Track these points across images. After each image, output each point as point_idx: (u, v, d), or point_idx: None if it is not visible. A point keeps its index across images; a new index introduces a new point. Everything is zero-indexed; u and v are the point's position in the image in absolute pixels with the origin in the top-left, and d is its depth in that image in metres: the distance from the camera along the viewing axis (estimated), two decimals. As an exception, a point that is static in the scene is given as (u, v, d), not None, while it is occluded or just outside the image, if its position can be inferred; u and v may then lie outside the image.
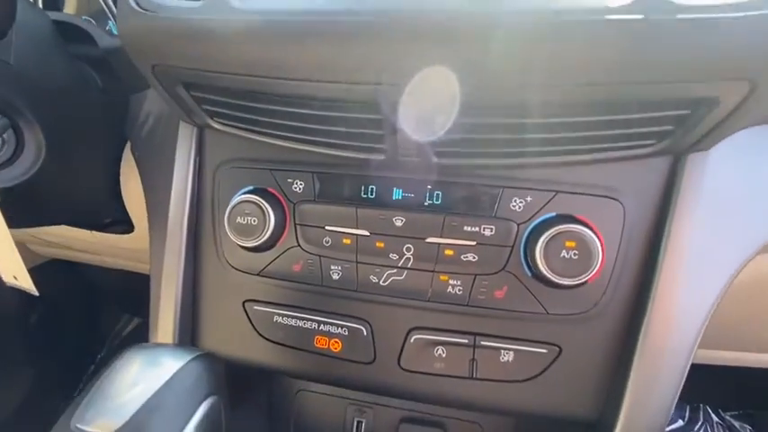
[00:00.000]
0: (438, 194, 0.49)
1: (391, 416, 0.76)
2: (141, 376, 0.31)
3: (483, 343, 0.48)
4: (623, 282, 0.46)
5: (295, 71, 0.41)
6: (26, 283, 0.64)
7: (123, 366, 0.32)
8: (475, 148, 0.44)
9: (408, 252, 0.49)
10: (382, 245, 0.49)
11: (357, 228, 0.50)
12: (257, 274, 0.53)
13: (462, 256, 0.47)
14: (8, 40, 0.64)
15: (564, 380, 0.47)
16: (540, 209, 0.46)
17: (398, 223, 0.49)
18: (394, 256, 0.49)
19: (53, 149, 0.73)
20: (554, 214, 0.46)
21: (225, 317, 0.55)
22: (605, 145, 0.43)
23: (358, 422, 0.78)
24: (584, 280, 0.43)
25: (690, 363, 0.45)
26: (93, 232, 0.90)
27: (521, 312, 0.47)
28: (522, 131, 0.42)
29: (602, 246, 0.44)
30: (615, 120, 0.40)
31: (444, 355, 0.49)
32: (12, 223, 0.78)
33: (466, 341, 0.48)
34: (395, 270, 0.49)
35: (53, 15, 0.77)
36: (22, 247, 1.36)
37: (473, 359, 0.48)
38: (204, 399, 0.32)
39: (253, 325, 0.54)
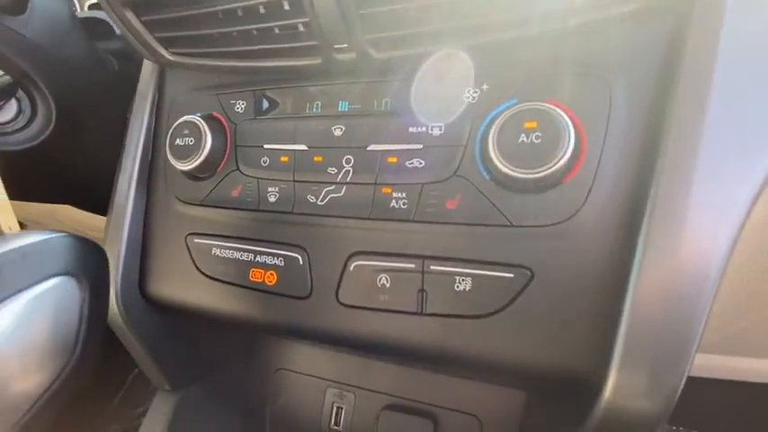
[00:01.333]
0: (386, 102, 0.42)
1: (374, 402, 0.66)
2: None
3: (433, 268, 0.38)
4: (614, 182, 0.34)
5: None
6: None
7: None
8: (413, 28, 0.37)
9: (348, 164, 0.42)
10: (321, 159, 0.43)
11: (295, 143, 0.44)
12: (200, 204, 0.49)
13: (407, 163, 0.39)
14: (25, 17, 0.72)
15: (537, 314, 0.35)
16: (499, 97, 0.37)
17: (338, 133, 0.43)
18: (332, 170, 0.42)
19: (64, 120, 0.79)
20: (515, 101, 0.36)
21: (170, 254, 0.51)
22: (575, 3, 0.34)
23: (338, 408, 0.68)
24: (550, 170, 0.33)
25: (712, 300, 0.31)
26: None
27: (477, 225, 0.37)
28: None
29: (579, 131, 0.34)
30: None
31: (389, 285, 0.40)
32: (29, 194, 0.85)
33: (413, 266, 0.39)
34: (333, 186, 0.42)
35: (84, 13, 0.86)
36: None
37: (422, 289, 0.39)
38: (53, 275, 0.28)
39: (193, 260, 0.49)
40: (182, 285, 0.50)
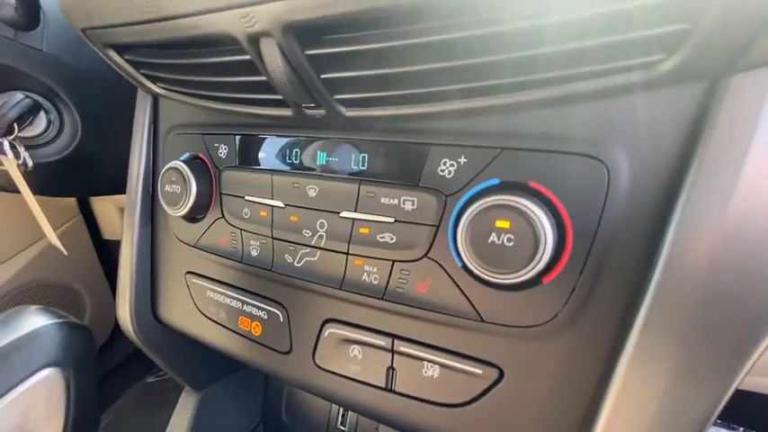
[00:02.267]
0: (364, 157, 0.39)
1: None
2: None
3: (402, 349, 0.37)
4: (603, 280, 0.30)
5: (170, 8, 0.35)
6: (59, 244, 0.74)
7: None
8: (384, 90, 0.33)
9: (322, 229, 0.40)
10: (296, 219, 0.42)
11: (272, 198, 0.43)
12: (193, 246, 0.51)
13: (379, 237, 0.37)
14: (39, 31, 0.73)
15: (506, 415, 0.33)
16: (478, 174, 0.32)
17: (312, 193, 0.40)
18: (307, 233, 0.41)
19: (90, 127, 0.82)
20: (497, 181, 0.32)
21: (174, 287, 0.55)
22: (580, 70, 0.27)
23: (344, 412, 0.73)
24: (523, 278, 0.29)
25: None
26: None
27: (447, 315, 0.34)
28: (446, 53, 0.29)
29: (564, 224, 0.29)
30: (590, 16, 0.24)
31: (360, 357, 0.39)
32: (64, 193, 0.92)
33: (383, 343, 0.38)
34: (308, 249, 0.41)
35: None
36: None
37: (391, 367, 0.38)
38: (40, 368, 0.31)
39: (192, 297, 0.52)
40: (184, 317, 0.54)
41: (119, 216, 1.54)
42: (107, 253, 1.56)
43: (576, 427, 0.31)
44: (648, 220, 0.28)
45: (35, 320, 0.33)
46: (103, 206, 1.50)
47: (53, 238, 0.71)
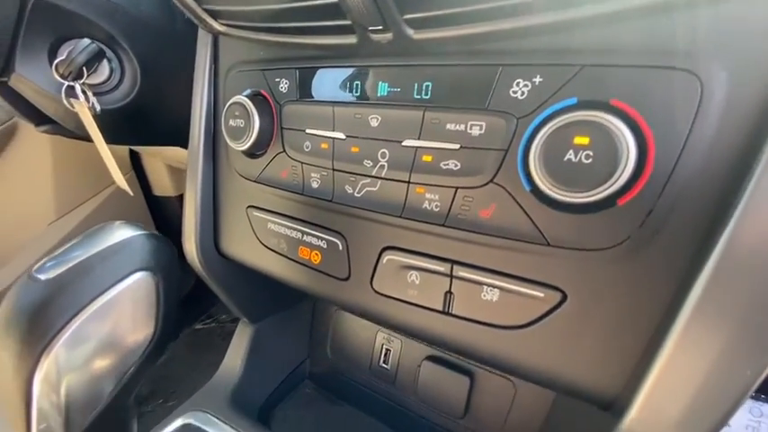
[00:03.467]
0: (427, 86, 0.38)
1: (418, 351, 0.72)
2: (86, 244, 0.34)
3: (461, 274, 0.38)
4: (681, 212, 0.29)
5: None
6: (126, 187, 0.80)
7: (82, 235, 0.36)
8: (453, 7, 0.32)
9: (383, 158, 0.41)
10: (357, 149, 0.42)
11: (333, 130, 0.44)
12: (255, 181, 0.53)
13: (442, 164, 0.37)
14: (100, -22, 0.75)
15: (567, 338, 0.34)
16: (554, 94, 0.31)
17: (374, 123, 0.41)
18: (368, 163, 0.42)
19: (149, 77, 0.86)
20: (574, 101, 0.31)
21: (235, 221, 0.58)
22: None
23: (386, 350, 0.76)
24: (599, 195, 0.29)
25: None
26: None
27: (510, 240, 0.35)
28: None
29: (647, 143, 0.28)
30: None
31: (418, 282, 0.41)
32: (124, 140, 0.97)
33: (441, 269, 0.39)
34: (369, 180, 0.42)
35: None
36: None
37: (449, 291, 0.39)
38: (134, 271, 0.34)
39: (253, 230, 0.55)
40: (245, 249, 0.57)
41: (167, 173, 1.62)
42: (158, 208, 1.66)
43: (636, 357, 0.31)
44: (741, 144, 0.27)
45: (124, 232, 0.37)
46: (153, 164, 1.58)
47: (121, 181, 0.76)
